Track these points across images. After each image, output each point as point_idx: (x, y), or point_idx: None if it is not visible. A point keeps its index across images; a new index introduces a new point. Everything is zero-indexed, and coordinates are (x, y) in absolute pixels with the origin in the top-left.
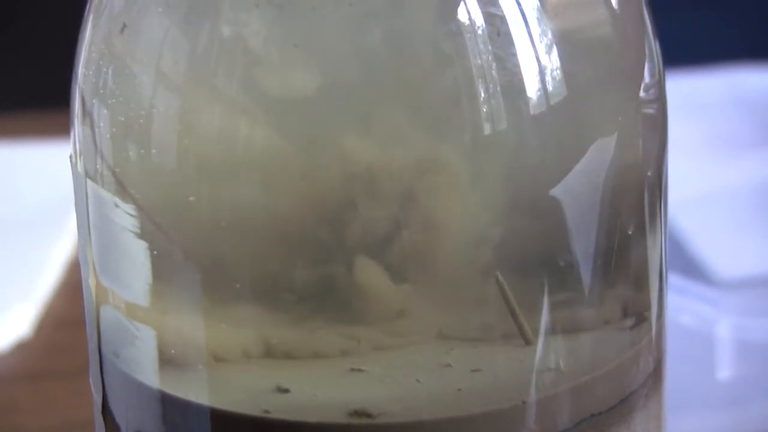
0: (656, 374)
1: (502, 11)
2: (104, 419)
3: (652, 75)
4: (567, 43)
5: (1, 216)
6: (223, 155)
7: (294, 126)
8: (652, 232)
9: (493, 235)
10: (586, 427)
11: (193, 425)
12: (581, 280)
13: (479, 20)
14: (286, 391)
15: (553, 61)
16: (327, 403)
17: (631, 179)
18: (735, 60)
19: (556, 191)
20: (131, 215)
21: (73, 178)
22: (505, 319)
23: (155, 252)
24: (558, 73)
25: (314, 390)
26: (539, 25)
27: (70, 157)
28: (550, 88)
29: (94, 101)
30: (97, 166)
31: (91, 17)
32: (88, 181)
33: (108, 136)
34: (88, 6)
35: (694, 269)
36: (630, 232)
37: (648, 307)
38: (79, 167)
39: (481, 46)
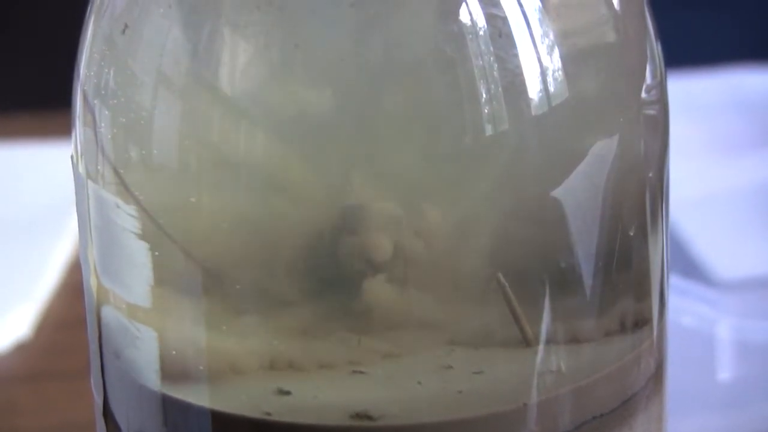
0: (657, 376)
1: (504, 12)
2: (105, 421)
3: (653, 76)
4: (568, 44)
5: (2, 216)
6: (224, 156)
7: (294, 127)
8: (654, 234)
9: (495, 237)
10: (588, 429)
11: (194, 427)
12: (582, 281)
13: (481, 21)
14: (288, 393)
15: (554, 63)
16: (328, 406)
17: (632, 181)
18: (736, 61)
19: (557, 193)
20: (132, 216)
21: (74, 179)
22: (507, 322)
23: (156, 253)
24: (559, 75)
25: (315, 392)
26: (541, 27)
27: (72, 157)
28: (551, 89)
29: (95, 102)
30: (99, 167)
31: (92, 18)
32: (90, 182)
33: (109, 136)
34: (89, 6)
35: (694, 270)
36: (631, 234)
37: (649, 309)
38: (81, 168)
39: (483, 48)
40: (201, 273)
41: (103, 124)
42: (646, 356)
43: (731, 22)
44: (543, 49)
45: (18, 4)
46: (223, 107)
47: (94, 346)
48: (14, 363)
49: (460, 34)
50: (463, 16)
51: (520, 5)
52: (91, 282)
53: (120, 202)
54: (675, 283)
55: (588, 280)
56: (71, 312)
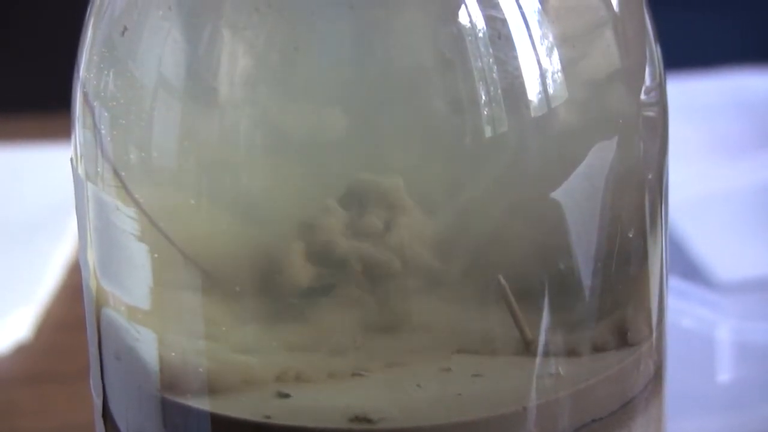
0: (657, 378)
1: (503, 15)
2: (104, 422)
3: (652, 78)
4: (567, 46)
5: (2, 218)
6: (223, 158)
7: (294, 128)
8: (653, 236)
9: (494, 239)
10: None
11: (194, 429)
12: (582, 283)
13: (480, 23)
14: (287, 396)
15: (553, 65)
16: (327, 409)
17: (631, 182)
18: (735, 63)
19: (556, 195)
20: (132, 218)
21: (74, 181)
22: (506, 324)
23: (156, 255)
24: (558, 77)
25: (315, 395)
26: (540, 29)
27: (71, 159)
28: (550, 91)
29: (95, 104)
30: (98, 169)
31: (91, 20)
32: (89, 184)
33: (109, 139)
34: (88, 9)
35: (694, 272)
36: (631, 236)
37: (649, 312)
38: (80, 170)
39: (482, 50)
40: (200, 275)
41: (102, 126)
42: (645, 359)
43: (730, 24)
44: (542, 51)
45: (17, 6)
46: (223, 109)
47: (93, 348)
48: (14, 364)
49: (459, 37)
50: (463, 18)
51: (520, 7)
52: (91, 284)
53: (119, 204)
54: (674, 284)
55: (587, 282)
56: (71, 314)
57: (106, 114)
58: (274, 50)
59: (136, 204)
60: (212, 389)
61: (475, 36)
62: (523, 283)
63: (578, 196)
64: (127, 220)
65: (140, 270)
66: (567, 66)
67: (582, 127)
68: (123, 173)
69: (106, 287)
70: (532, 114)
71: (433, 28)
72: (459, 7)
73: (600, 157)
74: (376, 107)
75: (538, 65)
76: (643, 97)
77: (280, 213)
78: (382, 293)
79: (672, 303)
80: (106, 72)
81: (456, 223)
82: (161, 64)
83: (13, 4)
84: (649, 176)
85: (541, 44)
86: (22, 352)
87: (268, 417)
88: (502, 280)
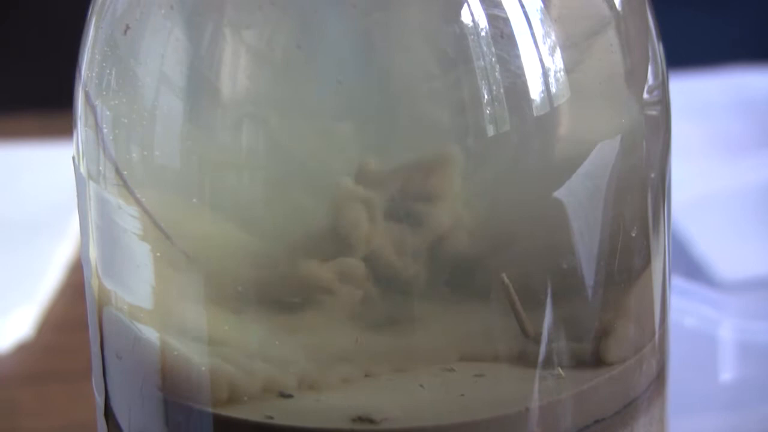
0: (659, 378)
1: (506, 13)
2: (106, 422)
3: (655, 77)
4: (570, 45)
5: (3, 217)
6: (225, 157)
7: (297, 127)
8: (656, 235)
9: (496, 238)
10: None
11: (196, 429)
12: (584, 283)
13: (483, 22)
14: (289, 396)
15: (556, 63)
16: (330, 409)
17: (634, 181)
18: (737, 61)
19: (559, 194)
20: (134, 217)
21: (76, 180)
22: (509, 323)
23: (158, 254)
24: (561, 75)
25: (317, 396)
26: (543, 27)
27: (73, 158)
28: (553, 90)
29: (96, 103)
30: (100, 168)
31: (93, 18)
32: (91, 183)
33: (111, 137)
34: (90, 7)
35: (696, 271)
36: (633, 235)
37: (652, 311)
38: (82, 169)
39: (485, 48)
40: (202, 274)
41: (104, 125)
42: (648, 358)
43: (732, 23)
44: (545, 50)
45: (19, 4)
46: (225, 108)
47: (95, 347)
48: (16, 363)
49: (462, 35)
50: (465, 17)
51: (522, 6)
52: (93, 283)
53: (122, 203)
54: (677, 283)
55: (590, 282)
56: (73, 312)
57: (108, 113)
58: (276, 49)
59: (138, 203)
60: (214, 389)
61: (478, 35)
62: (525, 282)
63: (581, 195)
64: (129, 219)
65: (142, 269)
66: (569, 65)
67: (585, 126)
68: (125, 172)
69: (108, 286)
70: (535, 113)
71: (435, 27)
72: (462, 6)
73: (603, 156)
74: (378, 106)
75: (541, 64)
76: (645, 95)
77: (282, 212)
78: (385, 295)
79: (674, 302)
80: (108, 71)
81: (458, 222)
82: (163, 62)
83: (15, 3)
84: (652, 175)
85: (544, 43)
86: (23, 350)
87: (271, 417)
88: (506, 279)
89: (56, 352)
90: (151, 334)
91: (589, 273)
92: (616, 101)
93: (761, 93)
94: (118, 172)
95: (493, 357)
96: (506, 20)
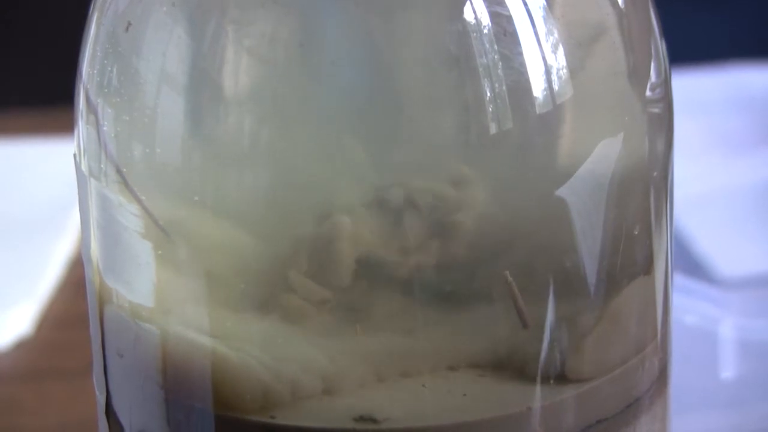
0: (662, 377)
1: (509, 11)
2: (108, 420)
3: (658, 74)
4: (573, 42)
5: (3, 213)
6: (228, 154)
7: (299, 123)
8: (659, 233)
9: (498, 236)
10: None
11: (198, 428)
12: (587, 281)
13: (485, 20)
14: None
15: (559, 61)
16: (332, 409)
17: (637, 179)
18: (737, 58)
19: (561, 192)
20: (136, 215)
21: (77, 178)
22: (512, 322)
23: (160, 252)
24: (564, 73)
25: (320, 395)
26: (546, 25)
27: (74, 156)
28: (556, 88)
29: (98, 100)
30: (102, 166)
31: (95, 15)
32: (92, 181)
33: (112, 135)
34: (92, 4)
35: (697, 268)
36: (636, 233)
37: (654, 310)
38: (83, 166)
39: (487, 46)
40: (204, 272)
41: (106, 123)
42: (650, 357)
43: (733, 20)
44: (548, 48)
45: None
46: (227, 105)
47: (96, 345)
48: (15, 360)
49: (464, 33)
50: (468, 15)
51: (525, 4)
52: (94, 281)
53: (123, 200)
54: (677, 281)
55: (592, 280)
56: (72, 309)
57: (109, 110)
58: (278, 46)
59: (138, 201)
60: (216, 387)
61: (481, 33)
62: (528, 280)
63: (583, 193)
64: (130, 217)
65: (144, 267)
66: (572, 63)
67: (587, 124)
68: (126, 169)
69: (110, 284)
70: (538, 111)
71: (438, 24)
72: (464, 4)
73: (605, 154)
74: (381, 103)
75: (544, 62)
76: (648, 93)
77: (284, 210)
78: (386, 296)
79: (675, 300)
80: (109, 68)
81: (460, 220)
82: (165, 59)
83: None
84: (655, 173)
85: (547, 41)
86: (23, 347)
87: (273, 417)
88: (509, 278)
89: (56, 349)
90: (152, 332)
91: (591, 271)
92: (619, 99)
93: (761, 90)
94: (119, 170)
95: (496, 357)
96: (509, 18)
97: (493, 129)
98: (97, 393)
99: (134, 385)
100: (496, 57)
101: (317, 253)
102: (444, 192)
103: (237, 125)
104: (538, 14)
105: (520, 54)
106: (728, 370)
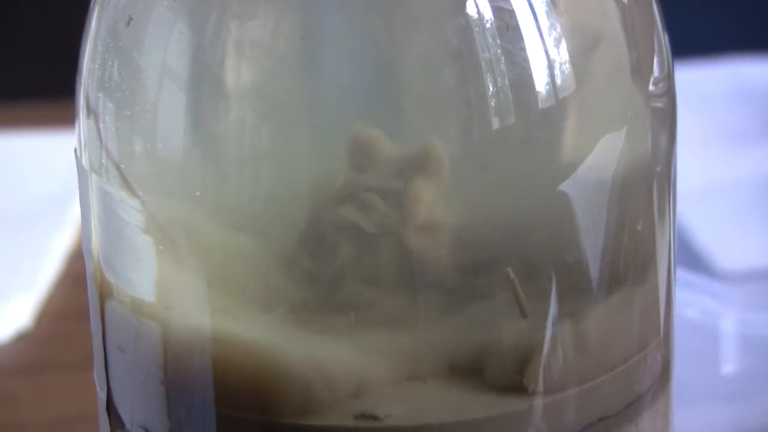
0: (665, 373)
1: (511, 5)
2: (108, 415)
3: (661, 68)
4: (576, 37)
5: (3, 206)
6: (229, 149)
7: (301, 118)
8: (661, 228)
9: (501, 231)
10: (595, 429)
11: (199, 423)
12: (590, 276)
13: (488, 14)
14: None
15: (561, 56)
16: (333, 406)
17: (640, 174)
18: (738, 51)
19: (564, 186)
20: (137, 210)
21: (78, 172)
22: (514, 317)
23: (161, 247)
24: (567, 68)
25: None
26: (548, 19)
27: (75, 150)
28: (558, 82)
29: (99, 95)
30: (102, 161)
31: (96, 9)
32: (93, 175)
33: (113, 130)
34: None
35: (698, 262)
36: (639, 228)
37: (657, 306)
38: (84, 161)
39: (490, 40)
40: (206, 268)
41: (106, 117)
42: (653, 353)
43: (734, 13)
44: (550, 42)
45: None
46: (228, 100)
47: (97, 341)
48: (15, 353)
49: (467, 27)
50: (470, 9)
51: None
52: (95, 276)
53: (125, 195)
54: (679, 275)
55: (594, 275)
56: (72, 302)
57: (110, 105)
58: (280, 41)
59: (135, 195)
60: (217, 383)
61: (483, 27)
62: (530, 275)
63: (586, 188)
64: (131, 212)
65: (145, 262)
66: (575, 57)
67: (590, 118)
68: (126, 165)
69: (111, 279)
70: (540, 106)
71: (440, 18)
72: None
73: (608, 148)
74: (383, 98)
75: (547, 56)
76: (651, 87)
77: (285, 205)
78: (388, 292)
79: (676, 294)
80: (110, 63)
81: (462, 214)
82: (166, 54)
83: None
84: (658, 168)
85: (550, 35)
86: (22, 340)
87: (274, 414)
88: (511, 274)
89: (55, 342)
90: (153, 327)
91: (593, 266)
92: (622, 94)
93: (763, 83)
94: (118, 167)
95: (497, 353)
96: (512, 12)
97: (495, 124)
98: (98, 389)
99: (135, 380)
100: (498, 51)
101: (318, 248)
102: (445, 186)
103: (238, 120)
104: (541, 9)
105: (523, 49)
106: (729, 364)
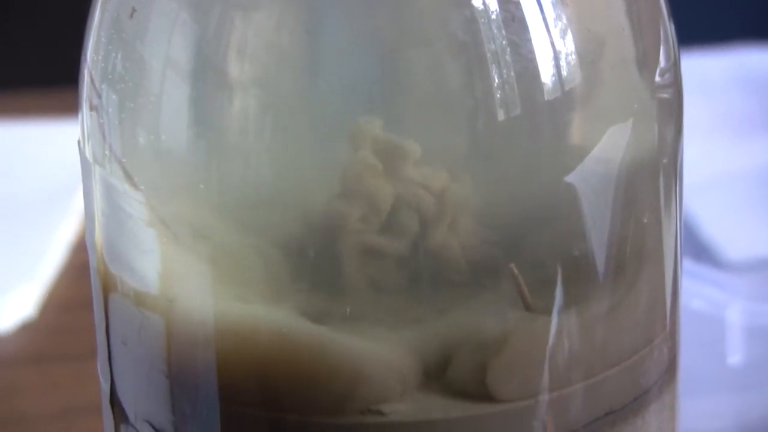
0: (671, 365)
1: None
2: (112, 408)
3: (667, 59)
4: (581, 28)
5: (6, 196)
6: (233, 141)
7: (305, 110)
8: (668, 220)
9: (507, 223)
10: (601, 423)
11: (203, 416)
12: (596, 268)
13: (494, 6)
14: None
15: (567, 47)
16: (339, 401)
17: (646, 166)
18: (742, 40)
19: (570, 178)
20: (140, 202)
21: (81, 164)
22: (520, 311)
23: (164, 239)
24: (573, 59)
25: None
26: (554, 11)
27: (78, 142)
28: (564, 74)
29: (102, 86)
30: (105, 153)
31: (100, 1)
32: (96, 167)
33: (116, 122)
34: None
35: (703, 253)
36: (645, 220)
37: (663, 298)
38: (87, 153)
39: (496, 32)
40: (210, 260)
41: (110, 109)
42: (660, 346)
43: (737, 1)
44: (556, 34)
45: None
46: (232, 91)
47: (101, 333)
48: (19, 344)
49: (473, 19)
50: (476, 1)
51: None
52: (98, 268)
53: (128, 187)
54: (684, 266)
55: (601, 267)
56: (76, 293)
57: (113, 97)
58: (284, 33)
59: (136, 188)
60: (221, 377)
61: (489, 19)
62: (536, 268)
63: (593, 180)
64: (135, 204)
65: (149, 254)
66: (581, 49)
67: (596, 110)
68: (129, 157)
69: (114, 272)
70: (546, 97)
71: (446, 10)
72: None
73: (615, 140)
74: (387, 90)
75: (552, 48)
76: (657, 78)
77: (288, 197)
78: (391, 287)
79: (682, 284)
80: (114, 54)
81: (468, 207)
82: (170, 46)
83: None
84: (665, 160)
85: (555, 27)
86: (26, 330)
87: (278, 409)
88: (515, 270)
89: (59, 332)
90: (157, 320)
91: (600, 258)
92: (628, 85)
93: (766, 72)
94: (119, 161)
95: (503, 347)
96: (517, 4)
97: (501, 115)
98: (102, 381)
99: (139, 373)
100: (504, 43)
101: (323, 241)
102: (452, 178)
103: (242, 112)
104: (547, 0)
105: (529, 40)
106: (735, 354)
